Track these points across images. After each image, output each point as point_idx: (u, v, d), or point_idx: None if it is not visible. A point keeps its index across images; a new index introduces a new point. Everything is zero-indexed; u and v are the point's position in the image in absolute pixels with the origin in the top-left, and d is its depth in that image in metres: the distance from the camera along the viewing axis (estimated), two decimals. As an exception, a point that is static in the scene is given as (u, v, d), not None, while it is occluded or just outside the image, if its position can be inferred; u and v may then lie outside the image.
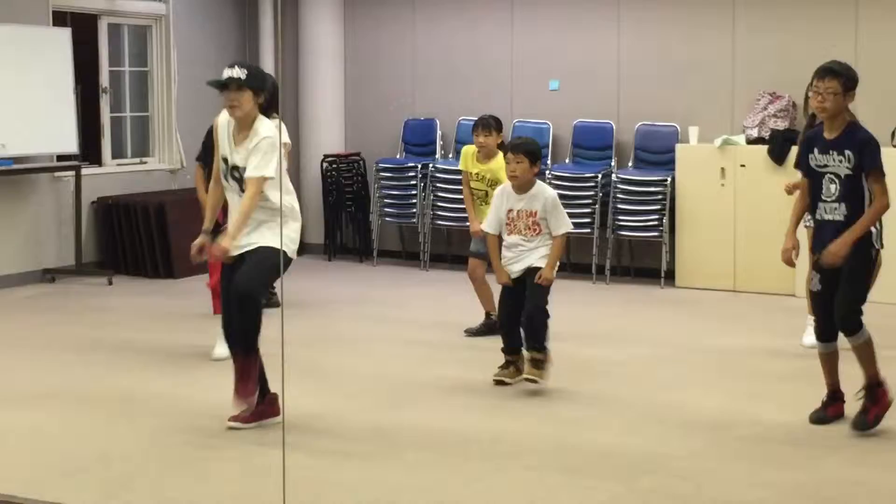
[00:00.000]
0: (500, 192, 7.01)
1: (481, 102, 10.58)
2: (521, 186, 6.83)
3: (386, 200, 11.50)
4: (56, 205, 10.71)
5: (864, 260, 5.93)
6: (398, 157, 11.69)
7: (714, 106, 10.43)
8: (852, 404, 6.07)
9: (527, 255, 6.82)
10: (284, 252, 5.84)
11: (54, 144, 10.51)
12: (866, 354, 5.95)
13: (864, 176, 5.82)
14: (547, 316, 6.78)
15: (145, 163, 11.66)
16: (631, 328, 8.72)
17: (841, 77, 5.83)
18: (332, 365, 7.51)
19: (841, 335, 5.99)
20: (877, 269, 6.37)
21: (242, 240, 5.92)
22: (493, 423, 6.24)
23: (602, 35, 10.87)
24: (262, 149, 5.83)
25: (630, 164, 10.70)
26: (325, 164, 11.81)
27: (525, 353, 6.82)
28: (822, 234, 5.93)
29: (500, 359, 6.98)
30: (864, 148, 5.83)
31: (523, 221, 6.81)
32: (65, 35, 10.48)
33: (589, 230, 10.42)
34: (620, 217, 10.43)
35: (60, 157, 10.75)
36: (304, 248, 11.96)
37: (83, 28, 11.04)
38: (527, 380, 6.73)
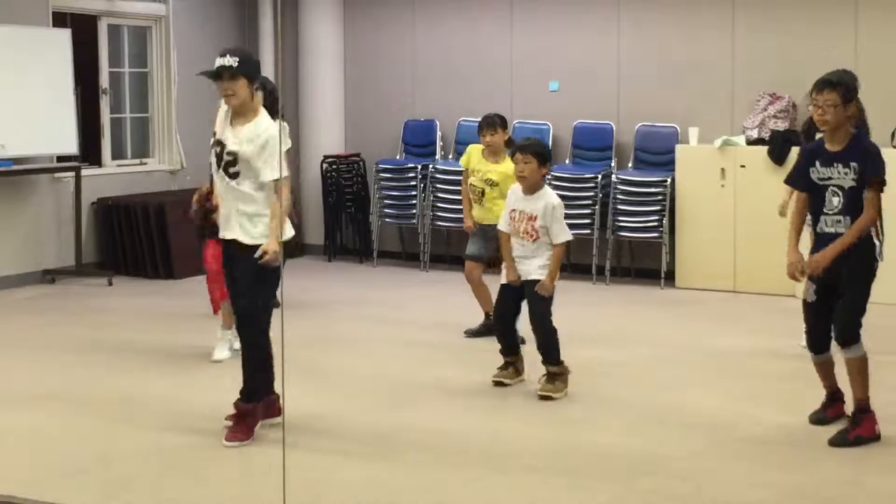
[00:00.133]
0: (510, 191, 6.99)
1: (481, 103, 10.54)
2: (530, 187, 6.79)
3: (386, 201, 11.50)
4: (56, 205, 10.71)
5: (868, 273, 5.86)
6: (398, 157, 11.68)
7: (714, 107, 10.42)
8: (852, 405, 6.05)
9: (525, 263, 6.76)
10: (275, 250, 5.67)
11: (54, 145, 10.51)
12: (859, 372, 5.83)
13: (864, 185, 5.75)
14: (554, 331, 6.72)
15: (145, 164, 11.66)
16: (631, 329, 8.72)
17: (839, 88, 5.73)
18: (332, 365, 7.50)
19: (835, 347, 5.92)
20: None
21: (227, 229, 5.82)
22: (493, 424, 6.25)
23: (602, 35, 10.87)
24: (272, 150, 5.70)
25: (630, 164, 10.70)
26: (325, 165, 11.81)
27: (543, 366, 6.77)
28: (823, 246, 5.83)
29: (500, 359, 6.98)
30: (868, 156, 5.76)
31: (522, 225, 6.76)
32: (65, 36, 10.47)
33: (589, 231, 10.41)
34: (620, 218, 10.43)
35: (60, 158, 10.75)
36: (304, 249, 11.98)
37: (83, 29, 11.04)
38: (541, 397, 6.62)
